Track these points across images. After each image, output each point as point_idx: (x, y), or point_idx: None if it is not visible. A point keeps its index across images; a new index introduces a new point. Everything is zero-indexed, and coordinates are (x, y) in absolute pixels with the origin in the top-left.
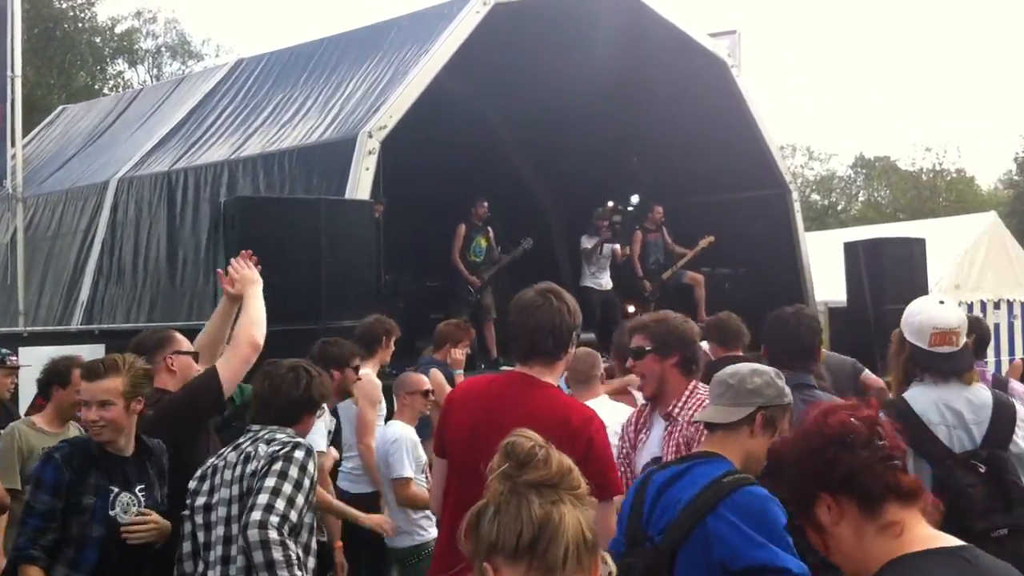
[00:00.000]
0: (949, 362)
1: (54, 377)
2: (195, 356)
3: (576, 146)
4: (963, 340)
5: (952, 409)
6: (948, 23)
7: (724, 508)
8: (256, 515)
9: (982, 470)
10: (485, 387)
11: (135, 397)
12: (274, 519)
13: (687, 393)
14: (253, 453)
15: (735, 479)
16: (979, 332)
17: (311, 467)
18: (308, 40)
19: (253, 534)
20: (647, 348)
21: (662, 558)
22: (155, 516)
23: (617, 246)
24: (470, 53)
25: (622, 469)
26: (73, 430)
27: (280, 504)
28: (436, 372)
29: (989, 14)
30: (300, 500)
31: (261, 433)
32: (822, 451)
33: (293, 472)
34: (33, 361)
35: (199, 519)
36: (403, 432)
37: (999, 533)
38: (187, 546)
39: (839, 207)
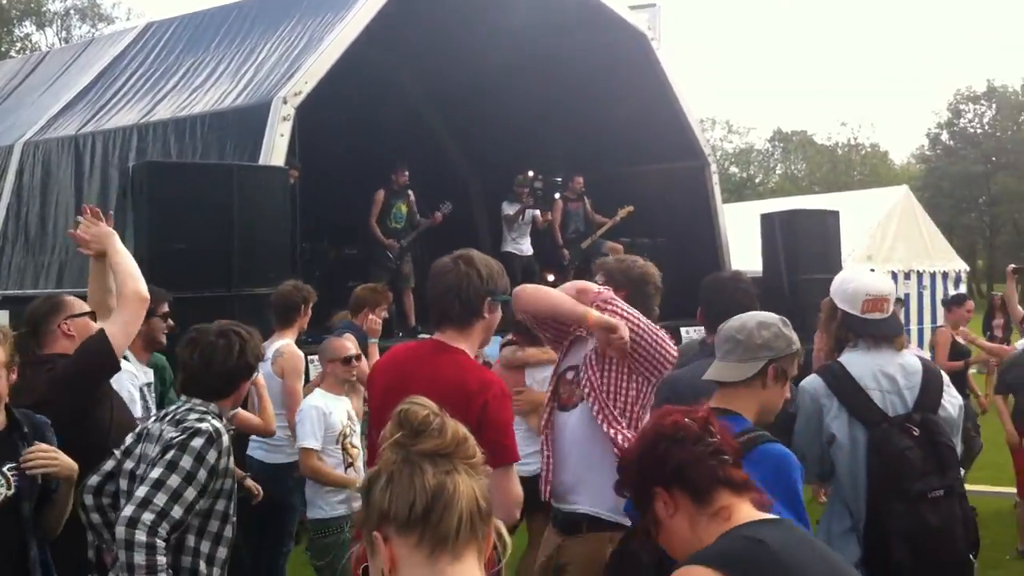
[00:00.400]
0: (881, 327)
1: None
2: (92, 316)
3: (496, 115)
4: (892, 307)
5: (886, 374)
6: (866, 1)
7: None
8: (128, 511)
9: (916, 433)
10: (402, 355)
11: (11, 367)
12: (147, 516)
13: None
14: (157, 435)
15: (749, 438)
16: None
17: (211, 455)
18: (220, 4)
19: (120, 531)
20: (599, 282)
21: None
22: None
23: (538, 212)
24: (388, 21)
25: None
26: None
27: (160, 499)
28: (349, 337)
29: None
30: (190, 494)
31: (179, 409)
32: (655, 447)
33: (186, 463)
34: None
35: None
36: (313, 402)
37: (935, 494)
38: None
39: (757, 180)
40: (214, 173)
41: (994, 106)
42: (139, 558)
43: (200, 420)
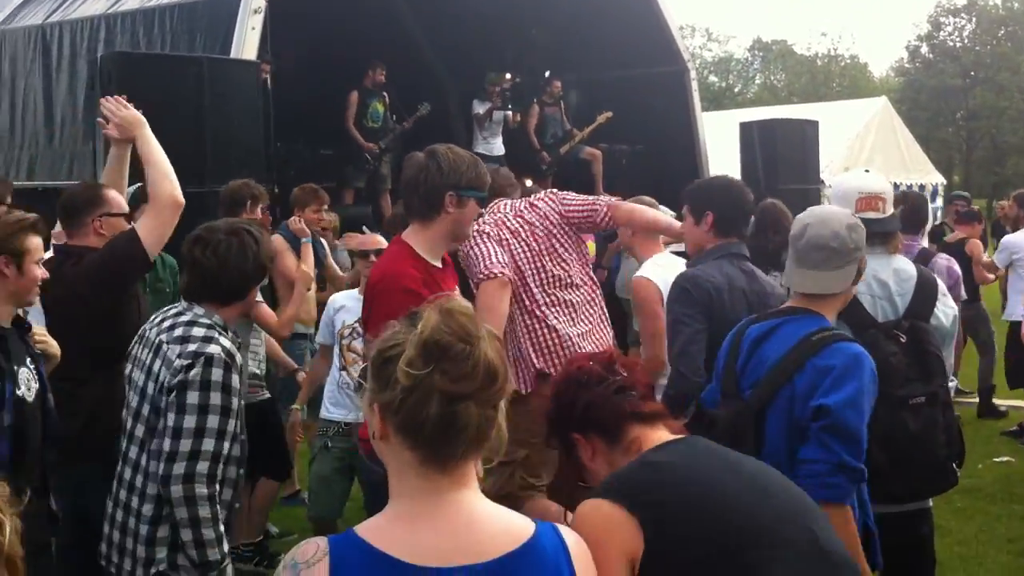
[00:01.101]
0: (875, 226)
1: None
2: (127, 217)
3: (472, 14)
4: (889, 208)
5: (878, 280)
6: None
7: (811, 365)
8: (180, 467)
9: (903, 340)
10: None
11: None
12: (202, 467)
13: None
14: (163, 352)
15: (824, 336)
16: (914, 204)
17: (234, 380)
18: None
19: (177, 490)
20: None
21: (749, 415)
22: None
23: (509, 112)
24: None
25: None
26: None
27: (209, 444)
28: (277, 238)
29: None
30: (230, 425)
31: (179, 319)
32: (564, 394)
33: (215, 399)
34: None
35: (129, 389)
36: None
37: (917, 400)
38: (124, 412)
39: (736, 89)
40: (184, 65)
41: (974, 20)
42: (204, 511)
43: (207, 340)
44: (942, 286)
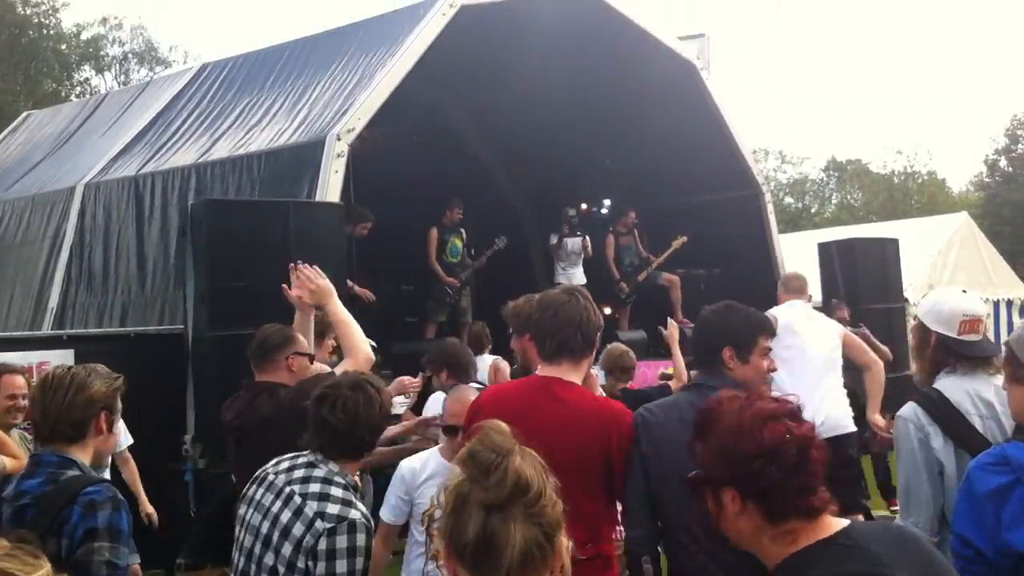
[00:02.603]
0: (978, 349)
1: None
2: (311, 358)
3: (547, 148)
4: (985, 328)
5: (983, 399)
6: (918, 27)
7: None
8: None
9: None
10: (513, 391)
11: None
12: None
13: None
14: (297, 505)
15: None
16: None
17: (372, 544)
18: (274, 44)
19: None
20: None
21: None
22: None
23: (579, 238)
24: (438, 56)
25: None
26: (15, 436)
27: None
28: None
29: (958, 19)
30: None
31: (316, 471)
32: (749, 459)
33: (360, 564)
34: None
35: (241, 529)
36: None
37: None
38: (236, 552)
39: (812, 210)
40: (270, 210)
41: None
42: None
43: (347, 504)
44: None
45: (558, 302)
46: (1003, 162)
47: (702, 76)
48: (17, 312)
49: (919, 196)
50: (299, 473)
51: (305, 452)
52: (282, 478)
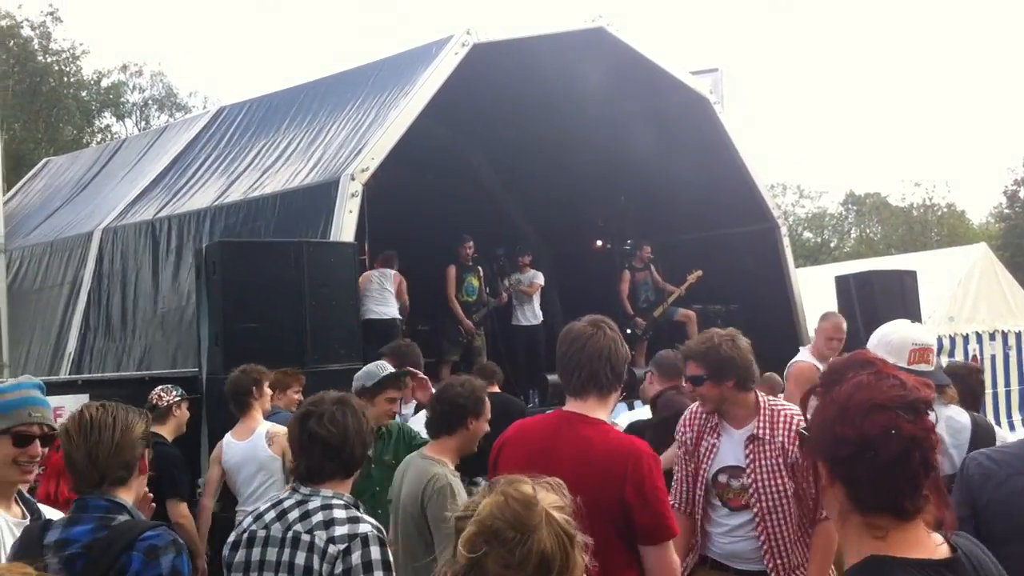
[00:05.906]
0: (930, 379)
1: None
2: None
3: (561, 184)
4: (935, 359)
5: None
6: (934, 60)
7: None
8: None
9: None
10: (537, 427)
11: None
12: None
13: (765, 413)
14: (306, 542)
15: None
16: (969, 384)
17: (390, 556)
18: (289, 86)
19: None
20: (703, 375)
21: None
22: None
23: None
24: (452, 94)
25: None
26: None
27: None
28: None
29: (974, 50)
30: None
31: (311, 503)
32: (844, 444)
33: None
34: None
35: None
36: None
37: None
38: None
39: (832, 244)
40: (284, 251)
41: None
42: None
43: (354, 520)
44: (1000, 432)
45: (585, 335)
46: (1022, 192)
47: (715, 110)
48: (36, 358)
49: (939, 228)
50: (295, 514)
51: (284, 495)
52: (277, 527)
